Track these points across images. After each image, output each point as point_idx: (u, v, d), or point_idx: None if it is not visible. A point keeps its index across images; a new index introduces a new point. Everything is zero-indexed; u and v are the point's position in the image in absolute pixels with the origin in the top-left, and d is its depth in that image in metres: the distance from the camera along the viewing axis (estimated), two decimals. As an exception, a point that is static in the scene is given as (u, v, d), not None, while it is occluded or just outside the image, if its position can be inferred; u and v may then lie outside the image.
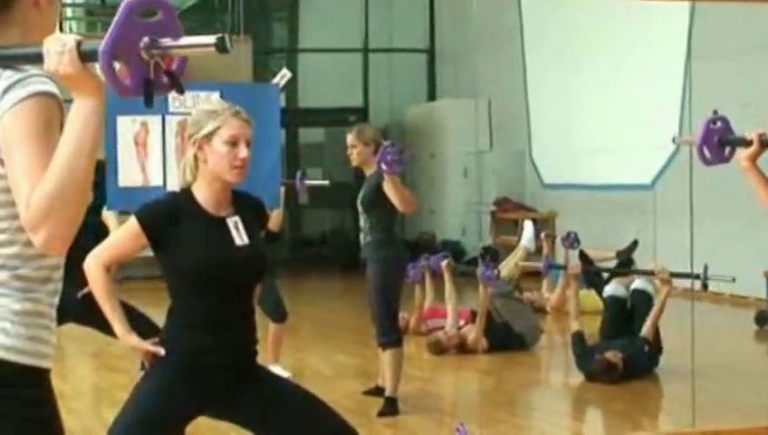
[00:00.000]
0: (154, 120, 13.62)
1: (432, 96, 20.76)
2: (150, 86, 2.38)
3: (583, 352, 8.99)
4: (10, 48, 2.58)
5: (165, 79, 2.41)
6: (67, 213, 2.43)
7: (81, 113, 2.44)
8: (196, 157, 4.22)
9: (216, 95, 13.99)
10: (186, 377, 4.17)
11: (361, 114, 19.33)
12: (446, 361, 10.07)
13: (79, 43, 2.39)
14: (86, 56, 2.39)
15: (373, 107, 20.17)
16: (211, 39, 2.30)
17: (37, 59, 2.45)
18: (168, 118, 13.63)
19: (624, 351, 8.84)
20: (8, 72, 2.55)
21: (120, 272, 9.24)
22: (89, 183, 2.46)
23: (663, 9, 14.15)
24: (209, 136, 4.18)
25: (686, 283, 9.75)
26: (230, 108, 4.24)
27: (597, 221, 15.17)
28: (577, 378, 8.93)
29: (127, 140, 13.55)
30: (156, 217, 4.23)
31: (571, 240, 11.61)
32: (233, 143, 4.18)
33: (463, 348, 10.20)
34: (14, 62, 2.56)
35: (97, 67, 2.37)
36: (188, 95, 13.82)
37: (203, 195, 4.24)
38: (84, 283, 4.47)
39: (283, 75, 14.20)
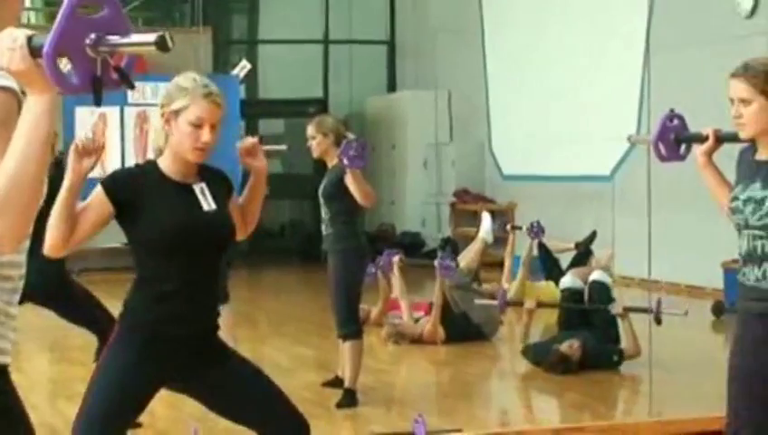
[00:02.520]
0: (113, 112, 13.61)
1: (392, 88, 20.76)
2: (98, 84, 2.36)
3: (536, 351, 9.03)
4: None
5: (114, 75, 2.38)
6: (18, 211, 2.40)
7: (32, 110, 2.41)
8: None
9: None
10: (150, 348, 4.17)
11: (321, 106, 19.28)
12: (406, 352, 10.08)
13: (29, 39, 2.36)
14: (38, 52, 2.35)
15: (333, 98, 20.13)
16: (151, 37, 2.28)
17: None
18: (126, 109, 13.63)
19: (585, 343, 8.87)
20: None
21: (78, 264, 9.19)
22: (41, 180, 2.43)
23: (623, 2, 14.22)
24: (177, 112, 4.19)
25: (644, 273, 9.81)
26: (203, 87, 4.22)
27: (556, 212, 15.20)
28: (534, 368, 8.96)
29: (85, 131, 13.50)
30: (121, 184, 4.22)
31: (536, 230, 11.63)
32: (197, 125, 4.18)
33: (421, 340, 10.23)
34: None
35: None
36: (148, 86, 13.86)
37: (169, 165, 4.25)
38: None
39: (243, 66, 14.18)
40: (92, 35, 2.32)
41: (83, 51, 2.32)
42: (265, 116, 20.24)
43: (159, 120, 4.27)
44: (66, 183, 4.08)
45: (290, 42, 20.16)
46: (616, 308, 9.01)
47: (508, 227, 12.93)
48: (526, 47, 16.62)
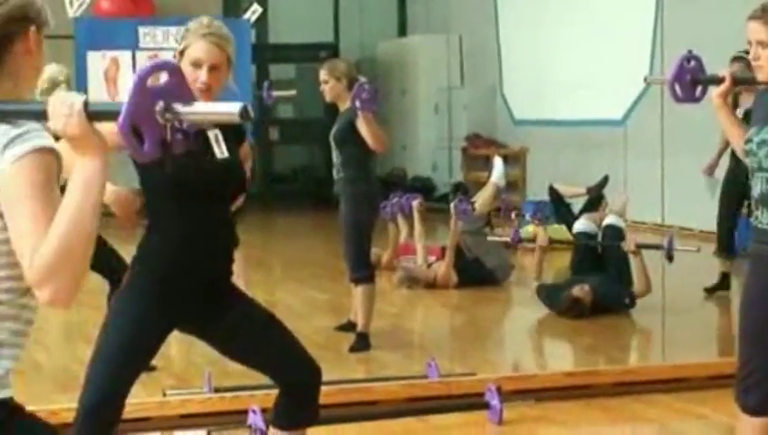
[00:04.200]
0: (125, 56, 13.60)
1: (403, 32, 20.68)
2: (168, 149, 2.48)
3: (548, 293, 9.04)
4: (10, 103, 2.60)
5: (179, 136, 2.49)
6: (72, 270, 2.46)
7: (84, 173, 2.49)
8: None
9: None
10: (161, 293, 4.17)
11: (332, 50, 19.22)
12: (418, 296, 10.11)
13: (86, 103, 2.46)
14: (93, 117, 2.46)
15: (344, 43, 20.06)
16: (235, 108, 2.41)
17: (40, 116, 2.50)
18: (138, 53, 13.62)
19: (595, 286, 8.88)
20: (4, 127, 2.54)
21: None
22: (92, 239, 2.49)
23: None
24: (182, 53, 4.23)
25: (657, 218, 9.82)
26: (202, 27, 4.22)
27: (568, 157, 15.20)
28: (547, 313, 8.98)
29: (98, 75, 13.53)
30: None
31: (541, 217, 11.24)
32: (197, 65, 4.18)
33: (434, 284, 10.26)
34: (14, 117, 2.56)
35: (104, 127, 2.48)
36: (159, 30, 13.86)
37: None
38: None
39: (254, 11, 14.15)
40: (161, 103, 2.44)
41: (154, 119, 2.44)
42: (276, 61, 20.18)
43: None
44: None
45: (301, -14, 20.10)
46: (628, 245, 9.01)
47: (513, 215, 12.77)
48: (538, -9, 16.54)
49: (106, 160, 2.50)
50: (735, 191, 9.10)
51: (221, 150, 4.23)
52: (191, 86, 4.14)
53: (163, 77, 2.48)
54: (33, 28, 2.68)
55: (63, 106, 2.46)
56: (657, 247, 8.80)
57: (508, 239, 9.90)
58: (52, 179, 2.52)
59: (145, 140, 2.45)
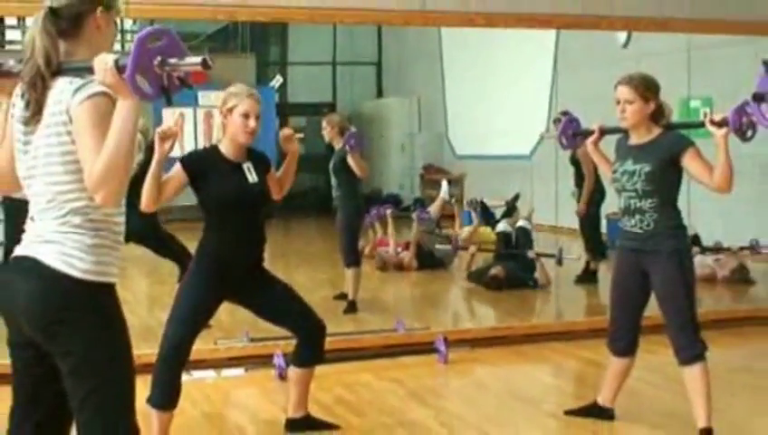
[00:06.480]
0: (188, 111, 13.57)
1: (380, 95, 20.67)
2: (166, 91, 2.41)
3: (477, 273, 9.06)
4: (76, 63, 2.61)
5: (177, 82, 2.42)
6: (116, 180, 2.46)
7: (121, 112, 2.47)
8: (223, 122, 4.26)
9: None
10: (215, 275, 4.18)
11: (331, 107, 19.18)
12: (390, 276, 10.09)
13: (116, 61, 2.42)
14: (122, 70, 2.41)
15: (340, 102, 20.02)
16: (199, 59, 2.34)
17: (90, 70, 2.50)
18: (198, 109, 13.58)
19: (510, 269, 8.89)
20: (76, 79, 2.57)
21: (165, 216, 9.14)
22: (130, 161, 2.48)
23: (536, 40, 14.14)
24: (231, 109, 4.21)
25: (552, 222, 9.82)
26: (247, 91, 4.26)
27: (492, 180, 15.18)
28: (478, 288, 8.99)
29: (166, 124, 13.48)
30: (192, 160, 4.24)
31: (474, 204, 11.31)
32: (245, 116, 4.19)
33: (401, 267, 10.25)
34: (78, 72, 2.58)
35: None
36: (212, 93, 13.74)
37: (226, 148, 4.26)
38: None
39: (278, 80, 14.13)
40: (158, 58, 2.36)
41: (153, 71, 2.37)
42: (293, 114, 20.12)
43: (219, 118, 4.28)
44: (154, 159, 4.11)
45: (309, 63, 20.04)
46: (531, 254, 9.04)
47: (453, 200, 12.77)
48: (472, 67, 16.55)
49: (137, 102, 2.45)
50: (587, 214, 9.04)
51: (252, 177, 4.25)
52: (242, 131, 4.18)
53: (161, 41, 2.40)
54: (100, 9, 2.65)
55: (102, 63, 2.44)
56: (551, 256, 8.85)
57: (450, 247, 9.95)
58: (107, 115, 2.49)
59: (149, 86, 2.39)
